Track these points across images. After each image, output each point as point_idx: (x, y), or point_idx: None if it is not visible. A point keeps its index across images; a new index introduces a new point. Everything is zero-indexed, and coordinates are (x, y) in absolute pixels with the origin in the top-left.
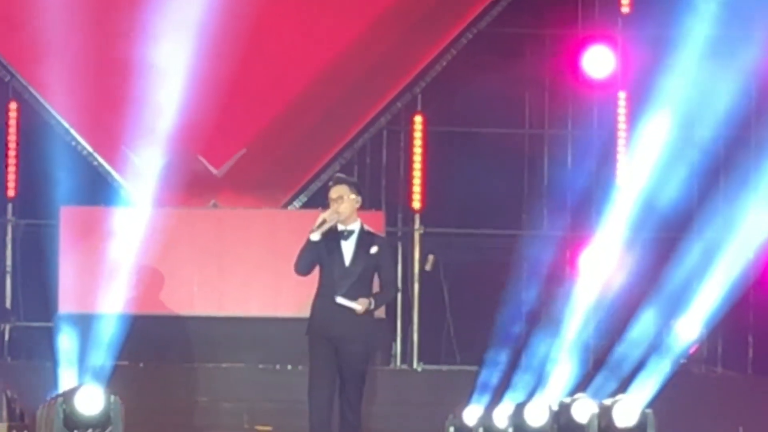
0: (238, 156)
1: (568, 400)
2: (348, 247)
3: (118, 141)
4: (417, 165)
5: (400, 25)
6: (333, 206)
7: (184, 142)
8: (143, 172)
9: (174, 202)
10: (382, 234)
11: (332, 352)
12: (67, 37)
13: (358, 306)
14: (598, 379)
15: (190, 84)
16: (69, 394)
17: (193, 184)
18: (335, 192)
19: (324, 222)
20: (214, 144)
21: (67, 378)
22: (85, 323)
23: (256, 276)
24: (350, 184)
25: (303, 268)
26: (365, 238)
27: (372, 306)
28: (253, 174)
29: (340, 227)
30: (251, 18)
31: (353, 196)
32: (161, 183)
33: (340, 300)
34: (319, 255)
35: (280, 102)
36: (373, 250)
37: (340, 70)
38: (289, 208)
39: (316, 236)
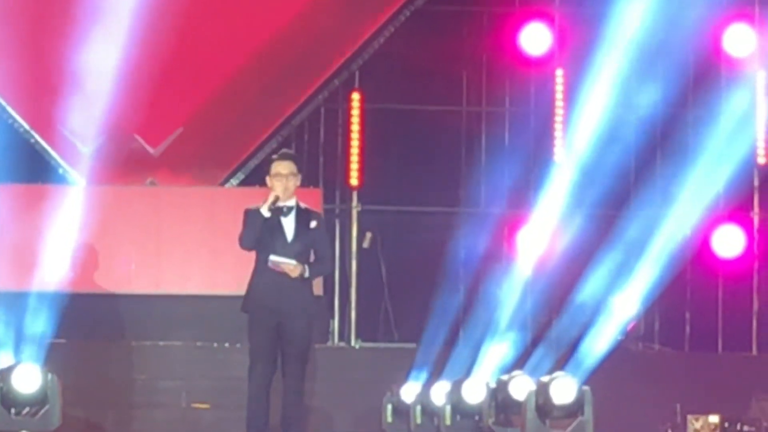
0: (175, 135)
1: (505, 377)
2: (288, 224)
3: (55, 120)
4: (354, 142)
5: (337, 2)
6: (282, 182)
7: (120, 122)
8: (81, 150)
9: (111, 180)
10: (317, 210)
11: (274, 329)
12: (1, 17)
13: (292, 262)
14: (536, 357)
15: (126, 64)
16: (6, 373)
17: (130, 163)
18: (286, 167)
19: (277, 198)
20: (150, 123)
21: (3, 357)
22: (21, 301)
23: (194, 254)
24: (296, 160)
25: (251, 242)
26: (303, 214)
27: (306, 274)
28: (190, 153)
29: (279, 203)
30: None
31: (297, 173)
32: (98, 162)
33: (273, 258)
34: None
35: (216, 80)
36: (312, 224)
37: (276, 47)
38: (227, 185)
39: (267, 212)
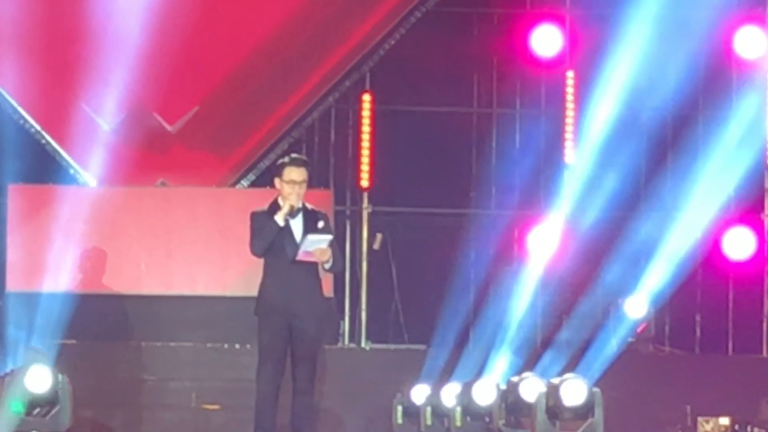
0: (191, 113)
1: (516, 379)
2: (297, 225)
3: (68, 117)
4: (365, 143)
5: None
6: (295, 189)
7: (139, 100)
8: (102, 127)
9: (122, 180)
10: (322, 209)
11: (285, 331)
12: (12, 15)
13: (326, 240)
14: (546, 358)
15: (144, 43)
16: (17, 373)
17: (145, 147)
18: (300, 175)
19: (292, 208)
20: (168, 102)
21: (14, 357)
22: (32, 302)
23: (204, 255)
24: (308, 167)
25: (263, 249)
26: (310, 215)
27: (330, 261)
28: (204, 132)
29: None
30: None
31: (307, 179)
32: (114, 148)
33: (312, 237)
34: None
35: (232, 61)
36: (320, 224)
37: (288, 30)
38: (237, 187)
39: (282, 222)
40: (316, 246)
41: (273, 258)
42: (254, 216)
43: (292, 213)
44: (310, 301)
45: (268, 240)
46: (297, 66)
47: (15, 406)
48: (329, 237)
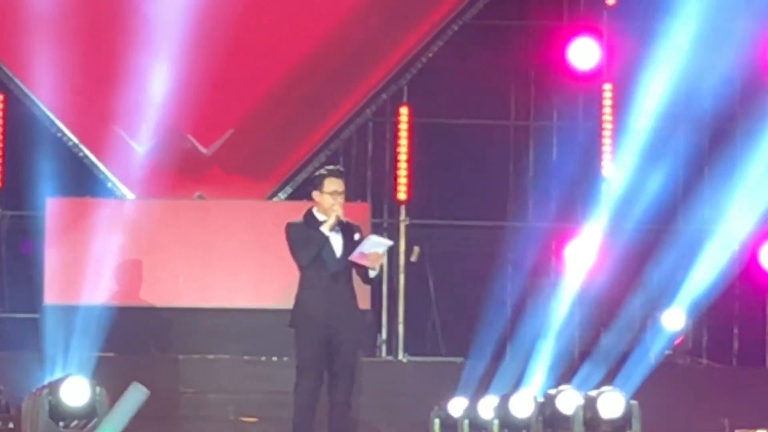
0: (227, 136)
1: (553, 391)
2: (336, 239)
3: (105, 130)
4: (402, 156)
5: (385, 11)
6: (337, 199)
7: (174, 122)
8: (136, 150)
9: (160, 193)
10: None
11: (323, 344)
12: (52, 28)
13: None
14: (584, 371)
15: (180, 65)
16: (55, 386)
17: (181, 168)
18: (341, 185)
19: (338, 219)
20: (203, 124)
21: (52, 369)
22: (70, 314)
23: (241, 267)
24: (344, 178)
25: (310, 260)
26: (347, 228)
27: (377, 271)
28: (239, 154)
29: (322, 218)
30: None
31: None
32: (150, 165)
33: (375, 239)
34: None
35: (267, 83)
36: (356, 236)
37: (326, 52)
38: (274, 199)
39: (329, 232)
40: (374, 249)
41: (312, 270)
42: (292, 227)
43: (337, 224)
44: (350, 313)
45: (316, 250)
46: (334, 85)
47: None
48: (389, 243)
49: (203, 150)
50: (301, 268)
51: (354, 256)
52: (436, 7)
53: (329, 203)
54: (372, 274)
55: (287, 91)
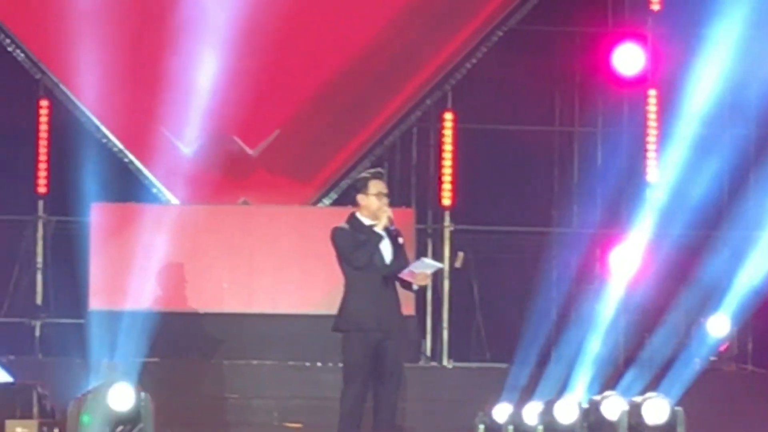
0: (273, 137)
1: (598, 397)
2: (385, 243)
3: (150, 134)
4: (447, 162)
5: (429, 15)
6: (384, 201)
7: (220, 124)
8: (182, 151)
9: (204, 199)
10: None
11: (371, 349)
12: (96, 33)
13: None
14: (628, 377)
15: (226, 66)
16: (100, 391)
17: (226, 170)
18: (384, 187)
19: (390, 219)
20: (248, 125)
21: (97, 375)
22: (115, 320)
23: (286, 273)
24: (386, 180)
25: (367, 261)
26: (393, 233)
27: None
28: (284, 156)
29: (369, 222)
30: (285, 1)
31: None
32: (195, 169)
33: (428, 261)
34: None
35: (313, 85)
36: (401, 240)
37: (371, 54)
38: (318, 205)
39: (383, 232)
40: (424, 270)
41: (362, 274)
42: (339, 231)
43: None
44: (397, 318)
45: (373, 251)
46: (379, 88)
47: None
48: (440, 265)
49: (249, 151)
50: (350, 273)
51: (404, 274)
52: (479, 12)
53: (376, 205)
54: (414, 287)
55: (333, 93)
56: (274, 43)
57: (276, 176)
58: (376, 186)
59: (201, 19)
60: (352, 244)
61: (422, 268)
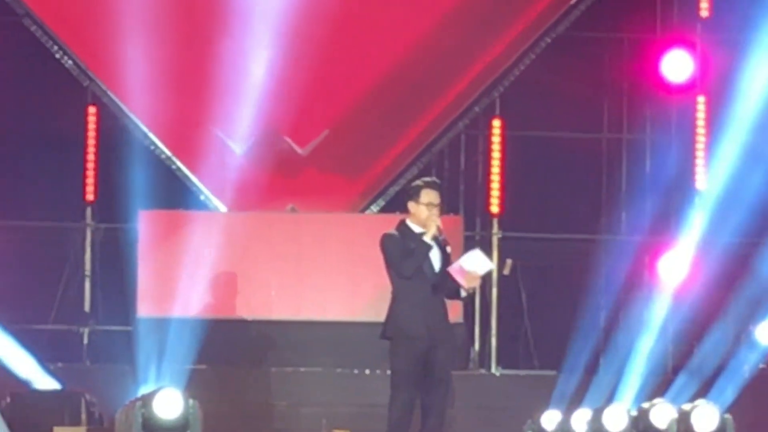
0: (322, 137)
1: (646, 405)
2: (434, 253)
3: (199, 139)
4: (495, 169)
5: (476, 18)
6: (434, 211)
7: (270, 124)
8: (234, 150)
9: (252, 206)
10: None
11: (420, 356)
12: (143, 38)
13: (487, 267)
14: (677, 384)
15: (276, 67)
16: (148, 398)
17: (275, 171)
18: (437, 197)
19: (439, 229)
20: (298, 125)
21: (145, 382)
22: (163, 327)
23: (334, 280)
24: (440, 190)
25: (415, 270)
26: (440, 240)
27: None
28: (333, 156)
29: (418, 230)
30: (334, 2)
31: None
32: (244, 174)
33: (478, 253)
34: None
35: (363, 86)
36: (448, 249)
37: (419, 53)
38: (366, 212)
39: (431, 242)
40: (474, 267)
41: (411, 282)
42: (389, 238)
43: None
44: (446, 325)
45: (421, 260)
46: (427, 89)
47: None
48: (491, 266)
49: (299, 150)
50: (398, 280)
51: (453, 269)
52: (524, 14)
53: (425, 214)
54: (462, 294)
55: (380, 94)
56: (323, 43)
57: (324, 177)
58: (428, 195)
59: (250, 19)
60: (401, 252)
61: (473, 265)
